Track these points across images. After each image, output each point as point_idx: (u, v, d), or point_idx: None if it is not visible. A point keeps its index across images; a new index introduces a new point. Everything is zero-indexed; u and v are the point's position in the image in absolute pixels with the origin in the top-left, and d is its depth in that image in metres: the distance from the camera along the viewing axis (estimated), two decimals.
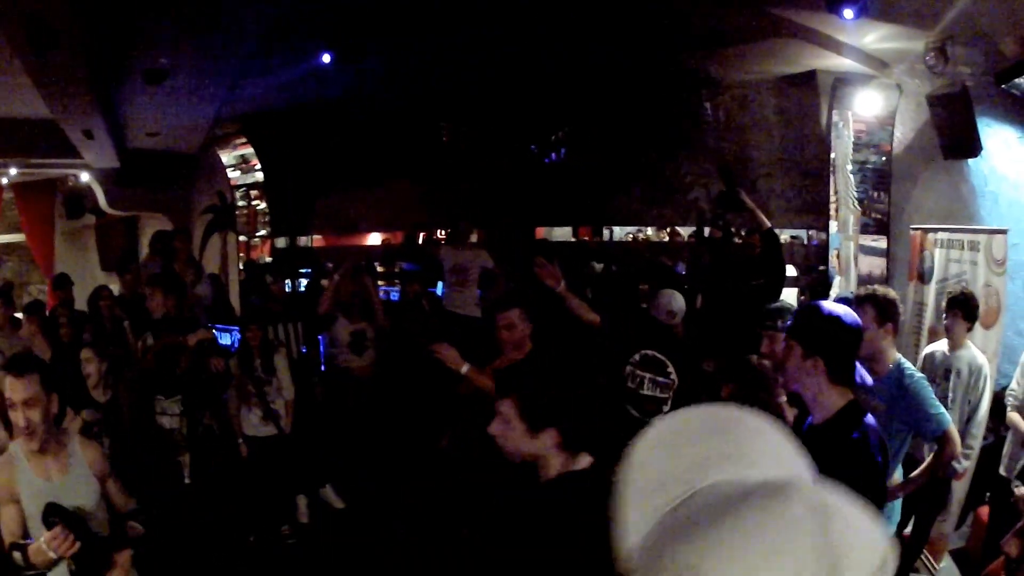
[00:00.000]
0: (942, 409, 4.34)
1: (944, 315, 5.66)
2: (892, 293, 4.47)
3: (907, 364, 4.40)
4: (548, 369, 2.78)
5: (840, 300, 5.09)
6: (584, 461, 2.63)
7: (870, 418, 2.98)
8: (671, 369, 5.28)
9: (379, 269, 11.78)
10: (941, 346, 5.71)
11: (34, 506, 3.29)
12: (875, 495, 2.78)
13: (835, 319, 2.97)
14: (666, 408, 5.25)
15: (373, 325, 7.65)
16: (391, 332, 7.89)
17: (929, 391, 4.34)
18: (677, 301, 5.54)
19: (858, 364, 3.66)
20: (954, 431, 4.39)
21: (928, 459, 4.49)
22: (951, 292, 5.77)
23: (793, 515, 0.85)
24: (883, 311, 4.29)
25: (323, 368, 8.00)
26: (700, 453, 0.97)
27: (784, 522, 0.84)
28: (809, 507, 0.85)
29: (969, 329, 5.55)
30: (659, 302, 5.55)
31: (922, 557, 5.67)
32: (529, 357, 4.76)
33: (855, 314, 3.12)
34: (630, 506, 0.96)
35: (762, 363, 4.32)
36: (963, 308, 5.49)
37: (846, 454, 2.77)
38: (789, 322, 4.58)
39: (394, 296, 10.61)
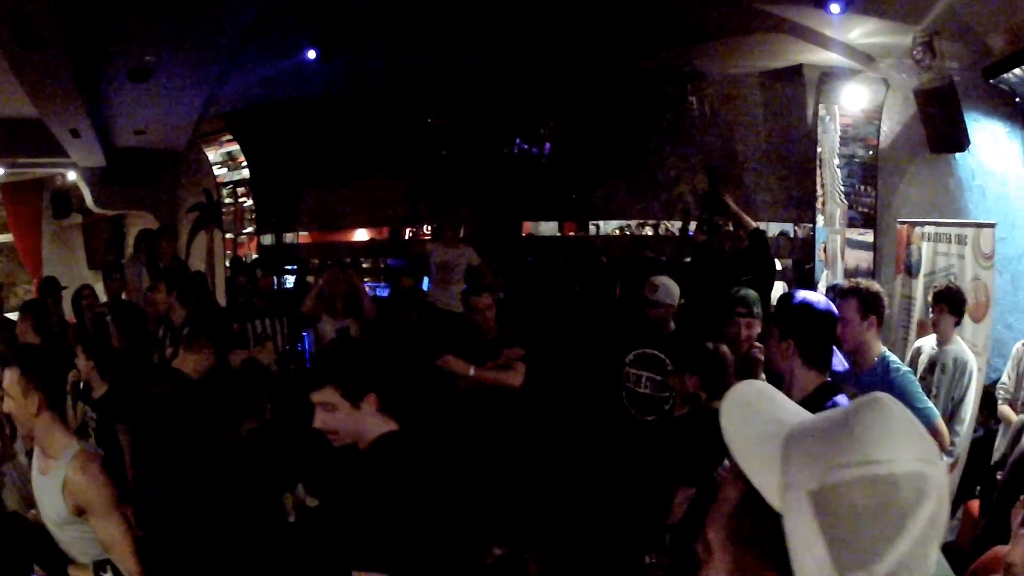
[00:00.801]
0: (929, 403, 4.31)
1: (930, 310, 5.67)
2: (876, 286, 4.45)
3: (892, 357, 4.36)
4: (359, 344, 2.89)
5: (828, 290, 5.16)
6: (394, 425, 2.72)
7: (842, 397, 3.07)
8: (670, 366, 5.17)
9: (364, 265, 11.78)
10: (929, 341, 5.71)
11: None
12: None
13: (806, 305, 3.19)
14: (667, 407, 5.18)
15: (359, 322, 7.63)
16: (381, 328, 7.87)
17: (915, 385, 4.31)
18: (672, 289, 5.46)
19: (840, 354, 3.79)
20: (942, 425, 4.37)
21: None
22: (937, 287, 5.75)
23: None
24: (866, 304, 4.27)
25: (308, 365, 7.98)
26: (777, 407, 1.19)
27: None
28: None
29: (957, 323, 5.54)
30: (655, 289, 5.45)
31: None
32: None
33: (829, 302, 3.34)
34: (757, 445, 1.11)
35: (721, 349, 4.35)
36: (949, 302, 5.49)
37: None
38: (758, 310, 4.87)
39: (380, 292, 10.59)
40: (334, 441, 2.70)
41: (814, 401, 2.98)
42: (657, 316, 5.42)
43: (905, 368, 4.34)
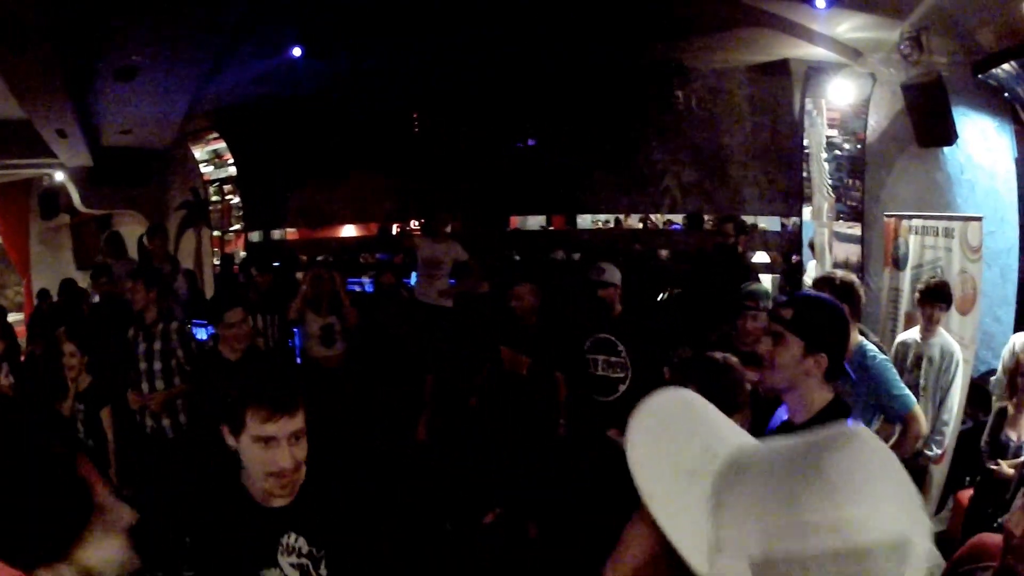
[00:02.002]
0: (906, 390, 4.31)
1: (921, 307, 5.67)
2: (851, 276, 4.49)
3: (869, 346, 4.36)
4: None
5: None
6: None
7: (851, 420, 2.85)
8: (621, 348, 5.56)
9: (361, 260, 11.79)
10: (912, 334, 5.73)
11: None
12: None
13: (840, 313, 2.83)
14: (623, 387, 5.51)
15: (341, 319, 7.72)
16: (365, 324, 7.92)
17: (892, 372, 4.32)
18: (615, 271, 5.73)
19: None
20: (919, 412, 4.39)
21: (894, 438, 4.44)
22: (927, 284, 5.73)
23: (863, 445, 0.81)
24: (840, 294, 4.28)
25: (299, 360, 8.04)
26: (700, 424, 0.91)
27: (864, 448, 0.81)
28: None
29: (936, 320, 5.53)
30: (601, 272, 5.74)
31: None
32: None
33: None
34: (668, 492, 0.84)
35: (730, 360, 4.01)
36: (943, 298, 5.53)
37: None
38: (768, 304, 4.76)
39: (369, 288, 10.61)
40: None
41: (822, 421, 2.66)
42: (607, 296, 5.68)
43: (882, 356, 4.34)
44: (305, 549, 2.29)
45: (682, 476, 0.83)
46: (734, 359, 3.66)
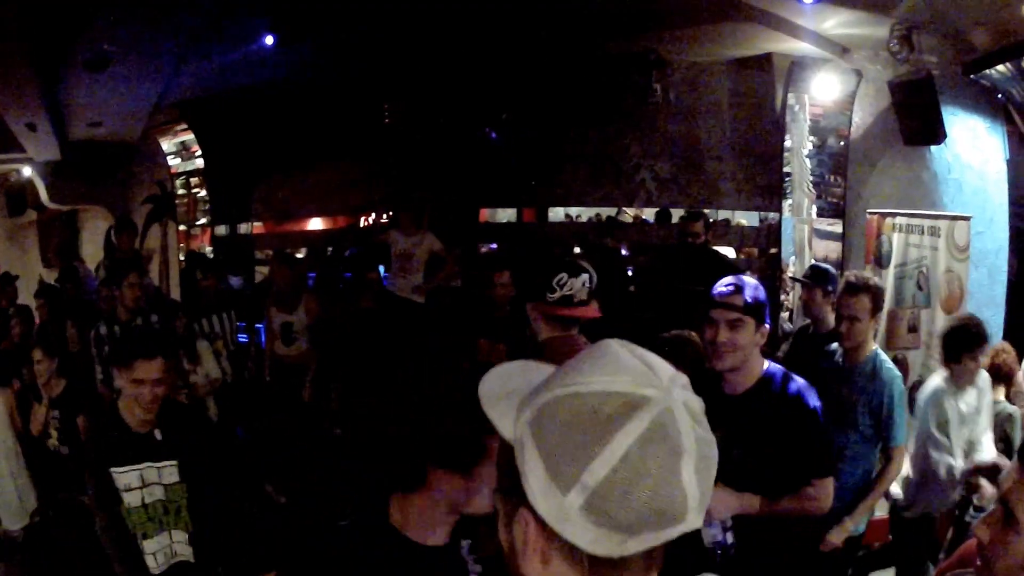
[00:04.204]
0: (905, 425, 4.25)
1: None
2: (824, 266, 5.09)
3: (886, 357, 4.36)
4: None
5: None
6: None
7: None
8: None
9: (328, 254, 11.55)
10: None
11: None
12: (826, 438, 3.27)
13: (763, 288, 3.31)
14: None
15: (300, 315, 7.61)
16: (328, 320, 7.78)
17: (903, 395, 4.26)
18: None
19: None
20: (904, 452, 4.35)
21: (879, 476, 4.28)
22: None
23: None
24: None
25: (266, 359, 7.91)
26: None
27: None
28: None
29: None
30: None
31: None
32: None
33: None
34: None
35: (685, 334, 4.28)
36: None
37: (791, 407, 3.15)
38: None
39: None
40: None
41: (772, 382, 3.25)
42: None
43: (898, 373, 4.29)
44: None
45: (508, 395, 1.15)
46: (690, 333, 4.21)
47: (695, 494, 1.01)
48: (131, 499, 3.58)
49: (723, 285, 3.24)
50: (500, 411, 1.15)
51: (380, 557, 2.01)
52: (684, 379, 1.07)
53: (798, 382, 3.22)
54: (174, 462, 3.69)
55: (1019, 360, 5.20)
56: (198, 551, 3.71)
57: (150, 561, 3.59)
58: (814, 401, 3.17)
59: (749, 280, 3.29)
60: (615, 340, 1.12)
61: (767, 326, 3.21)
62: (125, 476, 3.57)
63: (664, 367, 1.07)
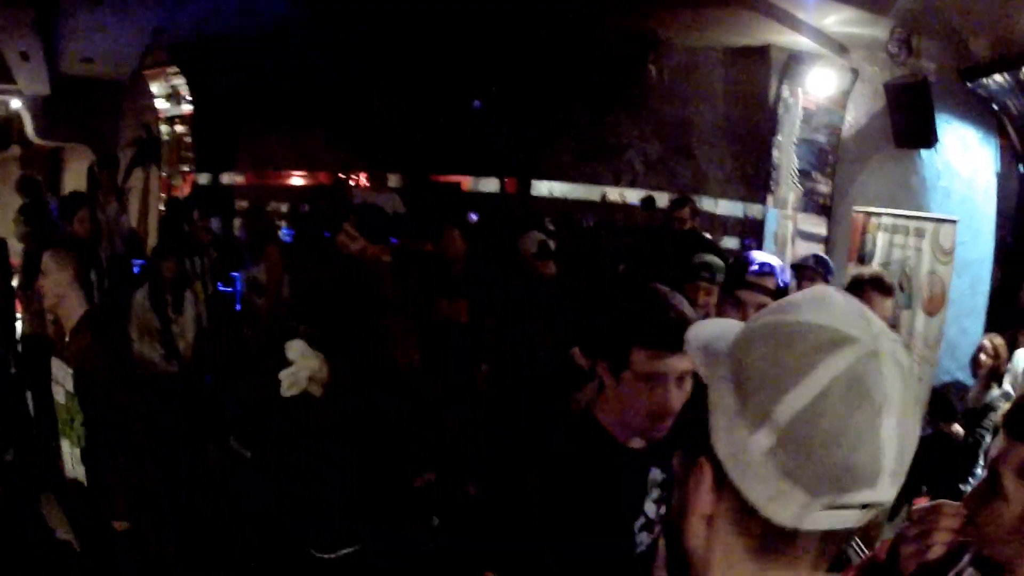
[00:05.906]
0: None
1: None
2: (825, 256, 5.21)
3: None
4: None
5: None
6: None
7: None
8: None
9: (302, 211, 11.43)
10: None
11: None
12: None
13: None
14: None
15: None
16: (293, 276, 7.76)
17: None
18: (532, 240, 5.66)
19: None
20: None
21: None
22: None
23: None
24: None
25: (238, 307, 7.92)
26: None
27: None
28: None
29: None
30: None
31: (853, 544, 5.74)
32: None
33: None
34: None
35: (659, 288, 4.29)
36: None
37: None
38: (722, 278, 4.65)
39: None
40: None
41: None
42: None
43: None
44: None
45: (715, 337, 1.08)
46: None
47: (893, 455, 0.91)
48: (56, 391, 3.69)
49: (755, 264, 3.16)
50: (706, 353, 1.08)
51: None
52: (897, 336, 0.99)
53: None
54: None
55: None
56: (90, 474, 3.57)
57: (65, 461, 3.65)
58: None
59: (778, 261, 3.26)
60: (831, 288, 1.04)
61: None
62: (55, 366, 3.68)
63: (878, 320, 0.98)
